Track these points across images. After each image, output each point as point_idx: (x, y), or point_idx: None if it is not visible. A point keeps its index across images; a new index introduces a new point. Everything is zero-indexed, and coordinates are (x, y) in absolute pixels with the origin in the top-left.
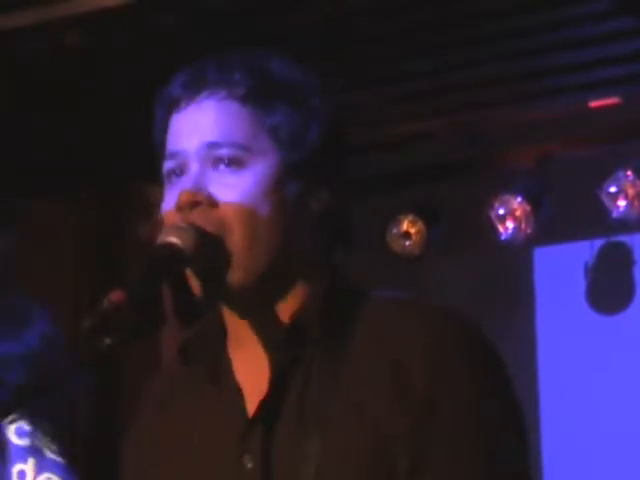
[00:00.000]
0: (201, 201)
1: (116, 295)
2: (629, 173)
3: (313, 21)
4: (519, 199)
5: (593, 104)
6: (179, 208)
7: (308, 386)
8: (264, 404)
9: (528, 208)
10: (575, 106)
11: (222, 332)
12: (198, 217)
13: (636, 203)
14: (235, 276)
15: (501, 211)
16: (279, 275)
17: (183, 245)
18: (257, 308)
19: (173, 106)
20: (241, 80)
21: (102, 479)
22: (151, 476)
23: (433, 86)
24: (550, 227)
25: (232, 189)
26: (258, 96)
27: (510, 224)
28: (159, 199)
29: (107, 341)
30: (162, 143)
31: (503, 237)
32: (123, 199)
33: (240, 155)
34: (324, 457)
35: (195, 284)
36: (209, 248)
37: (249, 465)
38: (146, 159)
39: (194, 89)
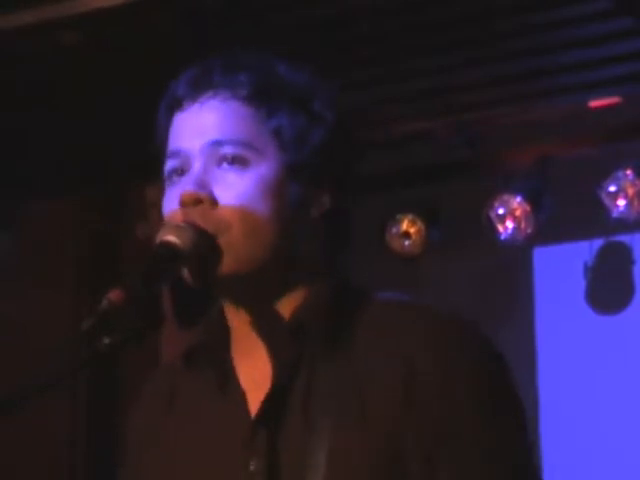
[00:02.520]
0: (203, 199)
1: (115, 294)
2: (629, 172)
3: (313, 21)
4: (519, 199)
5: (593, 104)
6: (181, 206)
7: (312, 386)
8: (266, 405)
9: (528, 208)
10: (575, 106)
11: (226, 336)
12: (199, 215)
13: (636, 203)
14: (229, 266)
15: (501, 211)
16: (277, 274)
17: (181, 244)
18: (256, 305)
19: (176, 105)
20: (245, 81)
21: (103, 478)
22: (153, 477)
23: (433, 86)
24: (550, 227)
25: (234, 188)
26: (262, 97)
27: (510, 224)
28: (157, 199)
29: (106, 341)
30: (164, 142)
31: (503, 237)
32: (122, 199)
33: (243, 153)
34: (330, 460)
35: (188, 276)
36: (207, 247)
37: (252, 468)
38: (145, 159)
39: (198, 89)
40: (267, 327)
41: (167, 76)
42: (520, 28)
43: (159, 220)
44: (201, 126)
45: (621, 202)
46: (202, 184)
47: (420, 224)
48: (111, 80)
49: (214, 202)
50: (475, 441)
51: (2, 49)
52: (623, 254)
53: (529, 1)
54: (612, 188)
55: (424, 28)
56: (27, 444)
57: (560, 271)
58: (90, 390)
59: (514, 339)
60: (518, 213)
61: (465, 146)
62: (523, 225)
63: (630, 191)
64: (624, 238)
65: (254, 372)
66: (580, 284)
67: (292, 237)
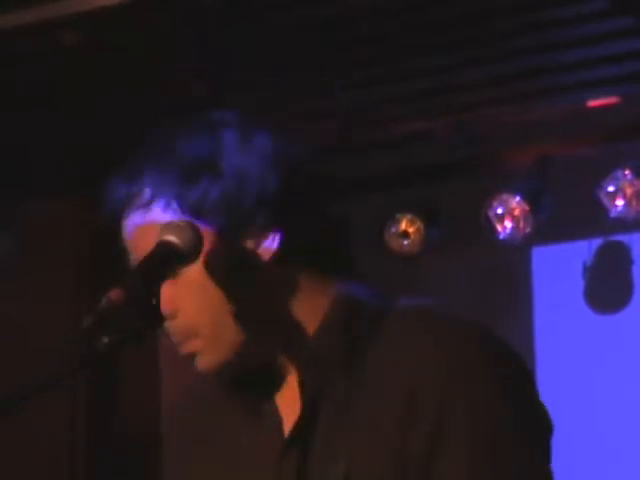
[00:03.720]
0: (166, 317)
1: (115, 294)
2: (627, 172)
3: (313, 21)
4: (517, 198)
5: (592, 104)
6: None
7: (335, 411)
8: (294, 431)
9: (526, 207)
10: (574, 106)
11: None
12: (170, 330)
13: (634, 202)
14: (212, 367)
15: (499, 210)
16: (273, 327)
17: (181, 244)
18: (270, 357)
19: (114, 217)
20: (141, 191)
21: (103, 478)
22: None
23: (433, 86)
24: (548, 226)
25: (178, 301)
26: (159, 195)
27: (508, 223)
28: None
29: (105, 340)
30: None
31: (501, 236)
32: None
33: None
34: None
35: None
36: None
37: None
38: None
39: (118, 208)
40: (290, 359)
41: (167, 76)
42: (519, 28)
43: None
44: (129, 244)
45: (620, 202)
46: (162, 305)
47: (419, 223)
48: (111, 80)
49: (172, 316)
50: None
51: (2, 49)
52: (622, 254)
53: (528, 1)
54: (611, 188)
55: (424, 28)
56: (27, 444)
57: (559, 271)
58: (90, 390)
59: (512, 339)
60: (517, 213)
61: (463, 146)
62: (522, 225)
63: (629, 191)
64: (623, 238)
65: (288, 397)
66: (579, 284)
67: (261, 301)
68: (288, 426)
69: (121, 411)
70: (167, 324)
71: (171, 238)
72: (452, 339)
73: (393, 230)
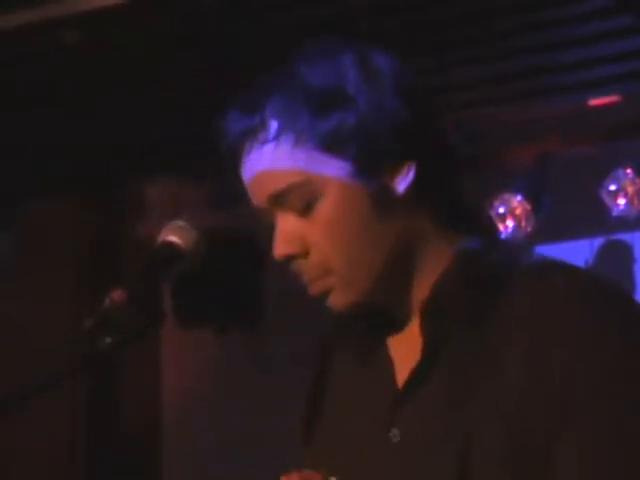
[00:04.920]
0: (293, 256)
1: (116, 294)
2: (629, 171)
3: (313, 21)
4: (519, 197)
5: (593, 102)
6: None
7: (455, 363)
8: (413, 376)
9: (528, 206)
10: (574, 104)
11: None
12: (301, 269)
13: (636, 201)
14: (342, 306)
15: (501, 209)
16: (397, 275)
17: (183, 244)
18: (392, 300)
19: (232, 153)
20: (271, 121)
21: (102, 478)
22: (317, 444)
23: (433, 85)
24: (550, 225)
25: (315, 237)
26: (292, 126)
27: (510, 223)
28: (157, 198)
29: (107, 340)
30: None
31: (503, 235)
32: (122, 199)
33: (302, 196)
34: (466, 440)
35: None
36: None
37: (392, 436)
38: (145, 159)
39: (239, 142)
40: (406, 311)
41: (168, 75)
42: (520, 27)
43: (159, 219)
44: (256, 183)
45: (621, 201)
46: (286, 243)
47: None
48: (112, 79)
49: (305, 253)
50: (606, 425)
51: (3, 48)
52: (623, 252)
53: (528, 1)
54: (612, 187)
55: (424, 28)
56: (27, 444)
57: None
58: (90, 390)
59: None
60: (518, 212)
61: (464, 144)
62: (523, 224)
63: (630, 189)
64: (624, 236)
65: (403, 344)
66: None
67: (394, 228)
68: (402, 376)
69: (121, 411)
70: (297, 263)
71: (173, 238)
72: (576, 299)
73: None
